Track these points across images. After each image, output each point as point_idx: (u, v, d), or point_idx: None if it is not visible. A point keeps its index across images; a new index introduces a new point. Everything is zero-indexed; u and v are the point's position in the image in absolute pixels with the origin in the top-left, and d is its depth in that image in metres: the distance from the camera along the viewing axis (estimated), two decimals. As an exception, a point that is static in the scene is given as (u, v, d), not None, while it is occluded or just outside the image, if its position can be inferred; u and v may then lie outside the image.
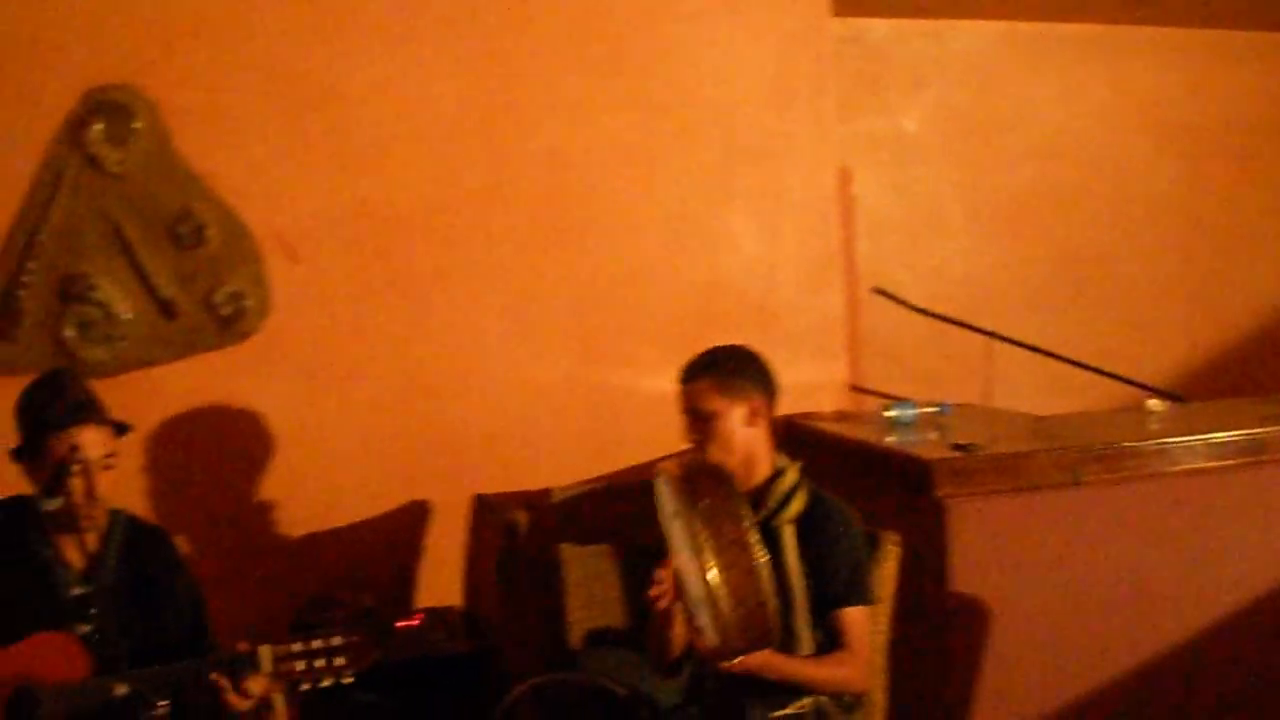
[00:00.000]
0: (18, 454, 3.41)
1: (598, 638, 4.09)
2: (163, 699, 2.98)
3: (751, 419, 3.27)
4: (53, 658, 3.25)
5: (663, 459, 4.38)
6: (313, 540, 4.29)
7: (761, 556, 2.81)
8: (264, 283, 4.26)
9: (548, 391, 4.42)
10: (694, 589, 2.92)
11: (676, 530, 2.98)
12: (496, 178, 4.35)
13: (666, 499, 3.01)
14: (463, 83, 4.32)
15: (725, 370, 3.30)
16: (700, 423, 3.30)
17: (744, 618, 2.81)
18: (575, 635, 4.06)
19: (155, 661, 3.06)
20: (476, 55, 4.34)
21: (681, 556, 2.97)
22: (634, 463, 4.40)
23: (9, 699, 3.28)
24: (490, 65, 4.34)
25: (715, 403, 3.26)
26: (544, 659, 4.09)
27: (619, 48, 4.42)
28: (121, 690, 2.96)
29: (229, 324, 4.26)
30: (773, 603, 2.81)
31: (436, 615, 4.20)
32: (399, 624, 4.10)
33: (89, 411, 3.32)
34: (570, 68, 4.37)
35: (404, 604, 4.29)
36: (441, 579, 4.34)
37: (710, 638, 2.88)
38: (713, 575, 2.78)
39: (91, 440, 3.28)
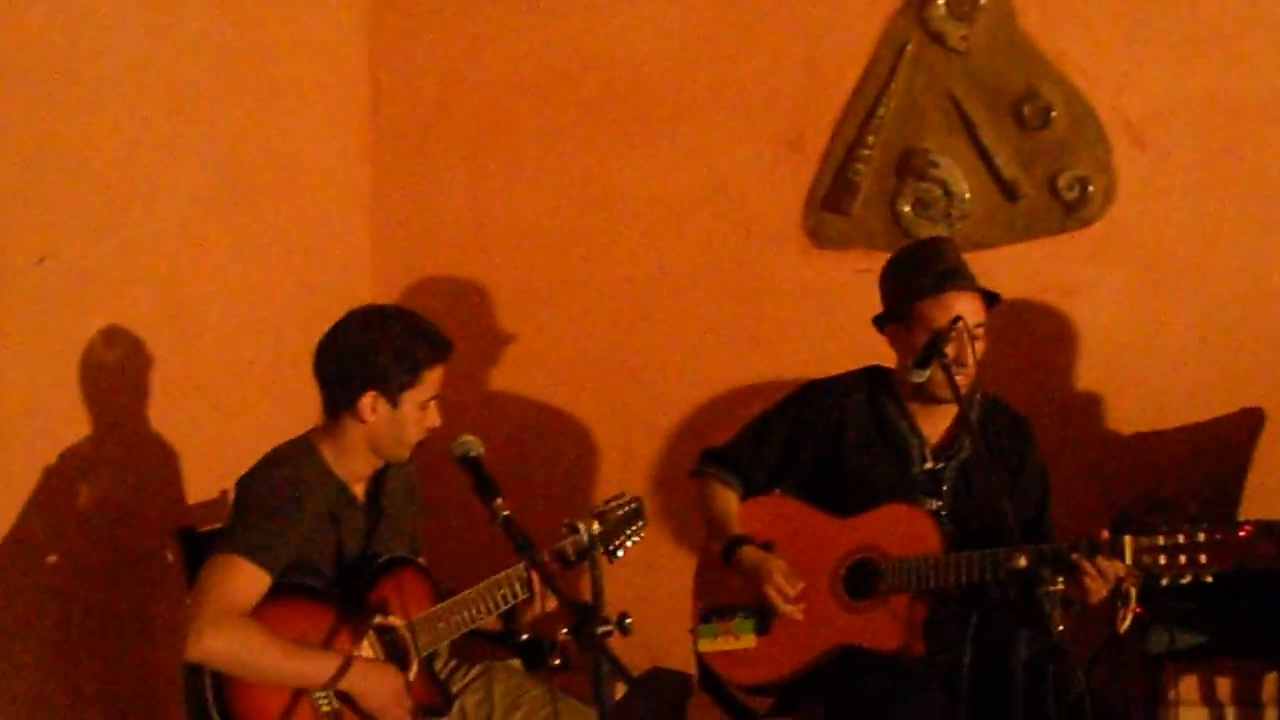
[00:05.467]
0: (882, 320, 3.32)
1: None
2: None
3: None
4: (901, 531, 3.21)
5: None
6: (1137, 440, 4.12)
7: None
8: (1110, 169, 4.09)
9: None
10: None
11: None
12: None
13: None
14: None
15: None
16: None
17: None
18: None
19: (998, 544, 3.00)
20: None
21: None
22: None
23: (851, 567, 3.20)
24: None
25: None
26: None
27: None
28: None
29: (1072, 210, 4.12)
30: None
31: (1266, 528, 3.99)
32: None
33: (967, 278, 3.23)
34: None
35: (1229, 514, 4.09)
36: (1272, 489, 4.12)
37: None
38: None
39: (969, 308, 3.18)
